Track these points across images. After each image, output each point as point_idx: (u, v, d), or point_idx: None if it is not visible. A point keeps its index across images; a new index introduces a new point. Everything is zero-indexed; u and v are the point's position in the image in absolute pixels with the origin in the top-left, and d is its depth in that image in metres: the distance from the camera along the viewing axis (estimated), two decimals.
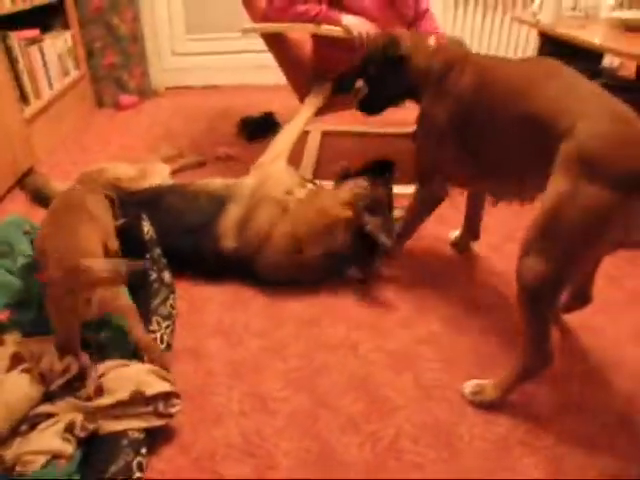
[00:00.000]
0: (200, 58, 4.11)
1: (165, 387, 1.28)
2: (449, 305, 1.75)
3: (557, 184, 1.17)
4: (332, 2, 2.18)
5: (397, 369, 1.51)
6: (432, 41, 1.70)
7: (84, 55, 3.62)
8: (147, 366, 1.34)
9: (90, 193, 1.67)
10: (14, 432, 1.21)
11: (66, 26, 3.43)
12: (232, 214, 1.83)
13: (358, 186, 1.84)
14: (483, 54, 1.75)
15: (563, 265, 1.18)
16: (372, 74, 1.80)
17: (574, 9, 2.68)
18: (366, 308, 1.75)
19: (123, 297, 1.46)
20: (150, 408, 1.26)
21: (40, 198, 2.10)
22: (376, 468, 1.24)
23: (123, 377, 1.29)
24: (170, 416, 1.29)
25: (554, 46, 2.80)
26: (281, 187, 1.89)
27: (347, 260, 1.82)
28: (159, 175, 2.24)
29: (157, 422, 1.27)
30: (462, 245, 2.03)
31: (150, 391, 1.26)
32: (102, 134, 3.32)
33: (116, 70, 3.77)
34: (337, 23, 2.13)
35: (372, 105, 1.90)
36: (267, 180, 1.91)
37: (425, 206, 1.78)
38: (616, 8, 2.59)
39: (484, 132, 1.47)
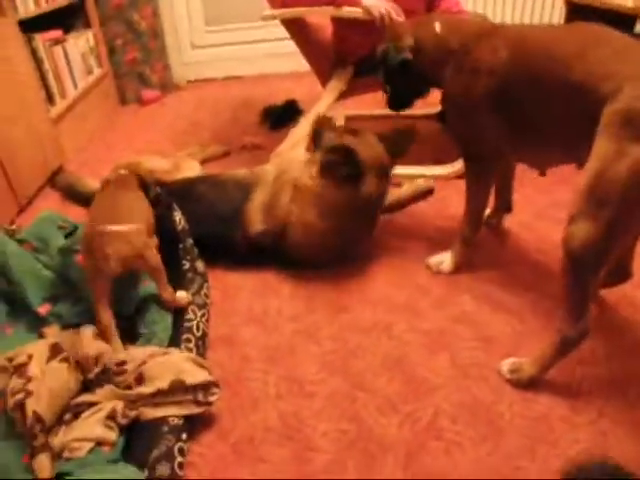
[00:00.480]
0: (220, 49, 4.11)
1: (204, 376, 1.29)
2: (483, 284, 1.73)
3: (602, 147, 1.15)
4: None
5: (432, 349, 1.50)
6: (437, 26, 1.64)
7: (106, 53, 3.66)
8: (186, 354, 1.36)
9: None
10: (59, 420, 1.24)
11: (87, 25, 3.46)
12: (258, 199, 1.85)
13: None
14: (511, 24, 1.70)
15: (611, 229, 1.15)
16: (387, 77, 1.80)
17: None
18: (398, 290, 1.74)
19: (154, 258, 1.51)
20: (189, 396, 1.28)
21: (73, 195, 2.13)
22: (416, 448, 1.24)
23: (163, 366, 1.31)
24: (209, 404, 1.30)
25: (582, 14, 2.73)
26: (300, 172, 1.89)
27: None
28: (192, 170, 2.26)
29: (196, 410, 1.29)
30: (496, 220, 2.01)
31: (190, 380, 1.27)
32: (127, 130, 3.36)
33: (138, 66, 3.80)
34: (357, 4, 2.10)
35: (398, 102, 1.89)
36: (288, 166, 1.92)
37: (483, 180, 1.71)
38: None
39: (525, 102, 1.43)
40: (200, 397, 1.28)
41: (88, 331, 1.42)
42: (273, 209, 1.82)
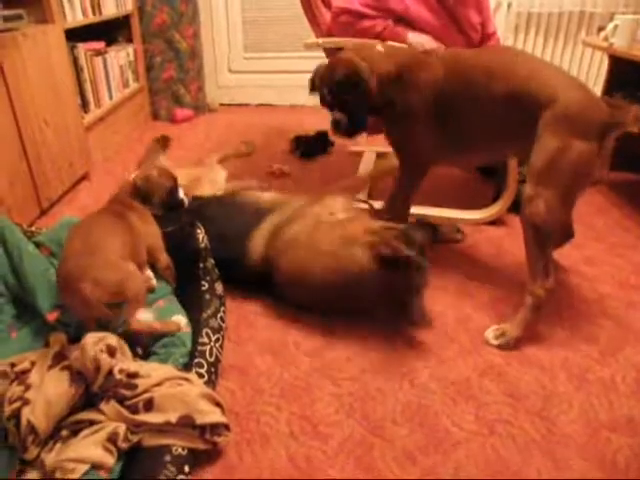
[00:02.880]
0: (256, 76, 4.14)
1: (216, 418, 1.21)
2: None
3: (548, 142, 1.46)
4: (399, 19, 2.13)
5: (457, 401, 1.41)
6: (380, 47, 1.81)
7: (144, 68, 3.69)
8: (201, 388, 1.27)
9: (133, 208, 1.64)
10: (55, 435, 1.16)
11: (129, 40, 3.51)
12: (268, 222, 1.79)
13: (392, 226, 1.67)
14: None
15: (562, 202, 1.48)
16: (339, 102, 1.82)
17: None
18: (424, 335, 1.65)
19: (134, 288, 1.41)
20: (196, 432, 1.20)
21: None
22: None
23: (176, 397, 1.22)
24: (214, 444, 1.22)
25: (624, 71, 2.69)
26: (327, 208, 1.83)
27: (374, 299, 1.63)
28: (214, 183, 2.21)
29: (201, 446, 1.20)
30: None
31: (200, 420, 1.19)
32: None
33: (174, 84, 3.82)
34: (403, 40, 2.08)
35: (353, 126, 1.87)
36: (319, 201, 1.86)
37: (415, 182, 1.90)
38: None
39: (463, 113, 1.67)
40: (207, 435, 1.20)
41: (91, 337, 1.28)
42: (280, 232, 1.74)
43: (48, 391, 1.19)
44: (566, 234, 1.87)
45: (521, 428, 1.33)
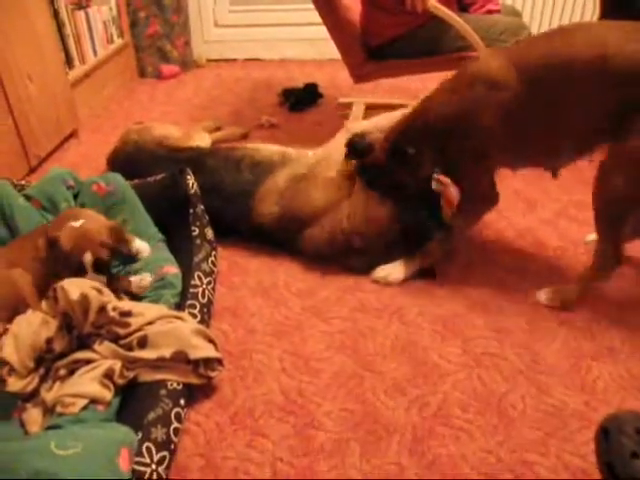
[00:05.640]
0: (243, 30, 4.05)
1: (210, 353, 1.24)
2: (500, 273, 1.67)
3: None
4: None
5: (444, 335, 1.45)
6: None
7: (128, 24, 3.61)
8: (196, 325, 1.30)
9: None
10: (53, 376, 1.20)
11: None
12: (280, 180, 1.75)
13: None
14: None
15: None
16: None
17: None
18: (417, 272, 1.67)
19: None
20: (190, 367, 1.23)
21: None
22: (423, 433, 1.18)
23: (169, 334, 1.25)
24: (209, 378, 1.26)
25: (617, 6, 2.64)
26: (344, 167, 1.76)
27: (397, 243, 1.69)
28: (203, 140, 2.20)
29: (195, 380, 1.24)
30: None
31: (193, 354, 1.22)
32: (144, 102, 3.31)
33: (159, 40, 3.73)
34: None
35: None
36: (332, 155, 1.79)
37: (481, 214, 1.70)
38: None
39: (549, 111, 1.43)
40: (201, 370, 1.24)
41: (72, 281, 1.28)
42: (299, 193, 1.72)
43: (15, 328, 1.24)
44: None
45: (506, 359, 1.37)
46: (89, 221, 1.43)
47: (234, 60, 4.11)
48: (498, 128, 1.47)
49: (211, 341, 1.27)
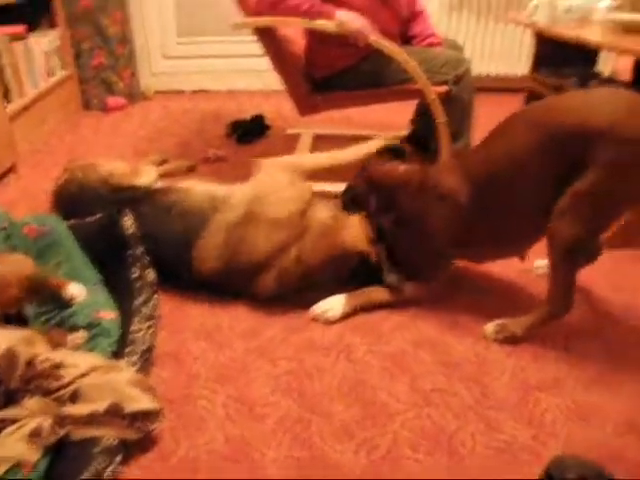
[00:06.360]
0: (190, 62, 4.04)
1: (147, 405, 1.17)
2: (447, 310, 1.67)
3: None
4: None
5: (393, 373, 1.43)
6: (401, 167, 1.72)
7: (72, 55, 3.54)
8: (131, 375, 1.23)
9: None
10: None
11: (53, 25, 3.35)
12: (215, 229, 1.66)
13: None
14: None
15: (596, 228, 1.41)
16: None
17: (568, 11, 2.65)
18: (359, 310, 1.66)
19: None
20: (125, 421, 1.16)
21: None
22: (373, 476, 1.15)
23: (103, 386, 1.17)
24: (147, 431, 1.19)
25: (549, 48, 2.79)
26: (288, 205, 1.69)
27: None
28: (149, 175, 2.14)
29: (132, 435, 1.17)
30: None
31: (129, 407, 1.15)
32: (88, 136, 3.23)
33: (104, 71, 3.68)
34: (330, 17, 2.06)
35: None
36: (268, 193, 1.70)
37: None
38: (613, 11, 2.55)
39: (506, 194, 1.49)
40: (139, 424, 1.17)
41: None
42: (240, 246, 1.64)
43: None
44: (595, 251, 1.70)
45: (456, 395, 1.36)
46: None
47: (182, 92, 4.09)
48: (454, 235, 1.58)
49: (149, 390, 1.21)
